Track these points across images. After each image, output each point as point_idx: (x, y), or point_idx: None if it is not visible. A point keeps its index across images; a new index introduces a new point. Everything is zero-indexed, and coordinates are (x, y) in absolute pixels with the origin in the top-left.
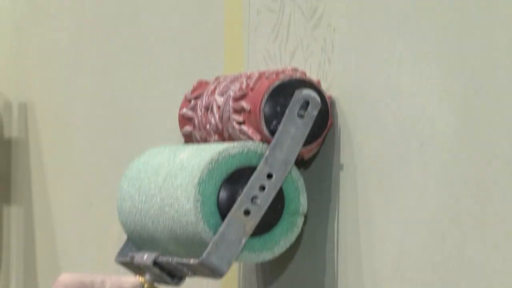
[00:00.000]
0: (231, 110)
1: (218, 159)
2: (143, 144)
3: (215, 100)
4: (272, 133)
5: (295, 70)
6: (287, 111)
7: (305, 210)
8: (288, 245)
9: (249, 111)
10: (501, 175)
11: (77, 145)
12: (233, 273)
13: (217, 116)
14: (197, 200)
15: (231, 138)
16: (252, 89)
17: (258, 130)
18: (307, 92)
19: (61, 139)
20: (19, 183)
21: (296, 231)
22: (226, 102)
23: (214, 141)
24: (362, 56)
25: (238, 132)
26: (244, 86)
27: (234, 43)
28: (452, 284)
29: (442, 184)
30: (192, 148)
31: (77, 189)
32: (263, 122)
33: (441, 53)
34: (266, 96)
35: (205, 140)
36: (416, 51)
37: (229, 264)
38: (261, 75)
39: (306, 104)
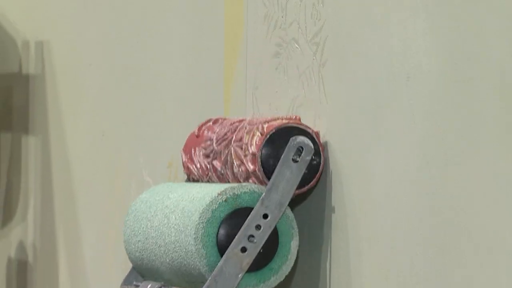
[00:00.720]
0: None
1: (218, 201)
2: (153, 78)
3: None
4: (268, 176)
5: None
6: (282, 156)
7: (295, 254)
8: (276, 283)
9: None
10: (482, 104)
11: (90, 79)
12: None
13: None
14: (198, 239)
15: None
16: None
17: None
18: (301, 138)
19: (75, 75)
20: (37, 115)
21: (286, 270)
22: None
23: (216, 178)
24: None
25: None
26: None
27: None
28: (436, 202)
29: (427, 113)
30: (194, 188)
31: (90, 120)
32: (260, 164)
33: None
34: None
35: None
36: None
37: None
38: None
39: (300, 150)
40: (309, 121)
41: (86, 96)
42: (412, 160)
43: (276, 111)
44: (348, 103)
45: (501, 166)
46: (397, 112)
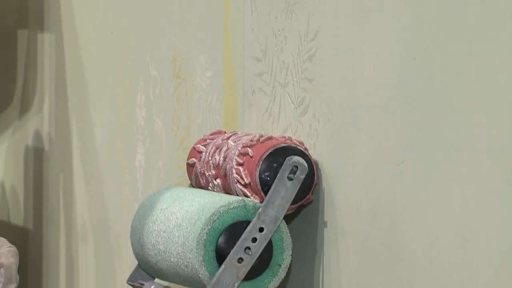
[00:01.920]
0: (237, 152)
1: (219, 213)
2: None
3: (227, 143)
4: (265, 189)
5: (290, 139)
6: (278, 174)
7: (287, 265)
8: None
9: (251, 157)
10: (468, 6)
11: None
12: None
13: (222, 155)
14: (198, 251)
15: (225, 176)
16: (261, 142)
17: (251, 174)
18: (297, 158)
19: None
20: (51, 14)
21: (279, 280)
22: (235, 147)
23: (215, 187)
24: None
25: (233, 172)
26: (255, 138)
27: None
28: (420, 102)
29: (414, 12)
30: (196, 198)
31: (101, 19)
32: (258, 179)
33: None
34: (263, 158)
35: (203, 174)
36: None
37: None
38: (270, 137)
39: (295, 168)
40: (303, 19)
41: None
42: (399, 57)
43: (273, 10)
44: (339, 1)
45: (487, 64)
46: (386, 10)
